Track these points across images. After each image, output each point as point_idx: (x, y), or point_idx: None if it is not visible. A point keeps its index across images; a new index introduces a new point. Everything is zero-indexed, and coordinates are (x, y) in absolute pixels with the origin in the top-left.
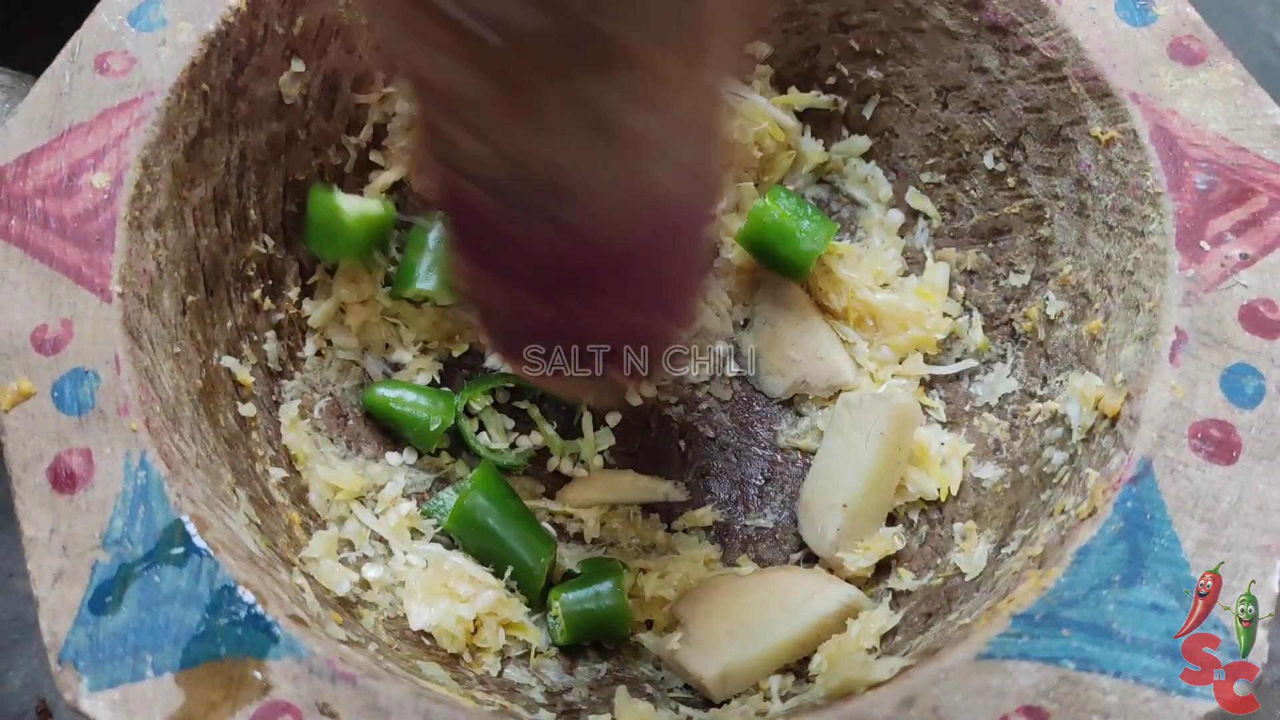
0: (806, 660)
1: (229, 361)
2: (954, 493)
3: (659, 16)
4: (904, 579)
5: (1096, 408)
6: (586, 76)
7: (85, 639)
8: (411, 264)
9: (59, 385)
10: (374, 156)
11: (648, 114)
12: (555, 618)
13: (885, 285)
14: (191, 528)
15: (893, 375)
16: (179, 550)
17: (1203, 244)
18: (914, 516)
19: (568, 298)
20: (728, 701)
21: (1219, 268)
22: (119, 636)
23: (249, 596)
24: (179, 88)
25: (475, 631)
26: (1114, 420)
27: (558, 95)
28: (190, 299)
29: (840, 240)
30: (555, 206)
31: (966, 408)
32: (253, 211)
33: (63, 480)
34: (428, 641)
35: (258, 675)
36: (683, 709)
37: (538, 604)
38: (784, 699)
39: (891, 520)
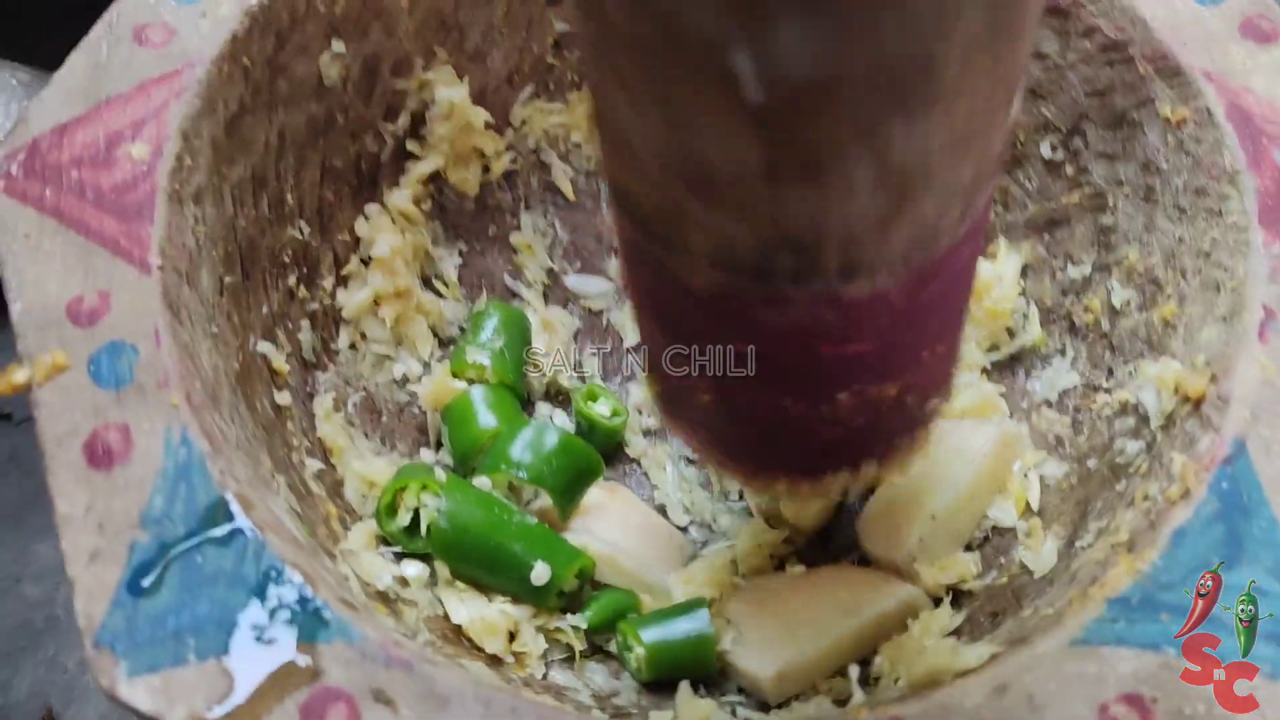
0: (866, 663)
1: (265, 347)
2: (1034, 508)
3: (973, 35)
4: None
5: (1176, 392)
6: (887, 122)
7: (123, 622)
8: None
9: (96, 358)
10: (411, 146)
11: (956, 160)
12: (629, 650)
13: None
14: (236, 506)
15: None
16: (222, 530)
17: None
18: (979, 534)
19: (830, 390)
20: (785, 704)
21: None
22: (159, 619)
23: (297, 578)
24: (220, 60)
25: (513, 639)
26: (1198, 403)
27: (848, 151)
28: (227, 280)
29: None
30: (828, 285)
31: (1024, 404)
32: (289, 195)
33: (99, 456)
34: (468, 643)
35: (308, 660)
36: (740, 709)
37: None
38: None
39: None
